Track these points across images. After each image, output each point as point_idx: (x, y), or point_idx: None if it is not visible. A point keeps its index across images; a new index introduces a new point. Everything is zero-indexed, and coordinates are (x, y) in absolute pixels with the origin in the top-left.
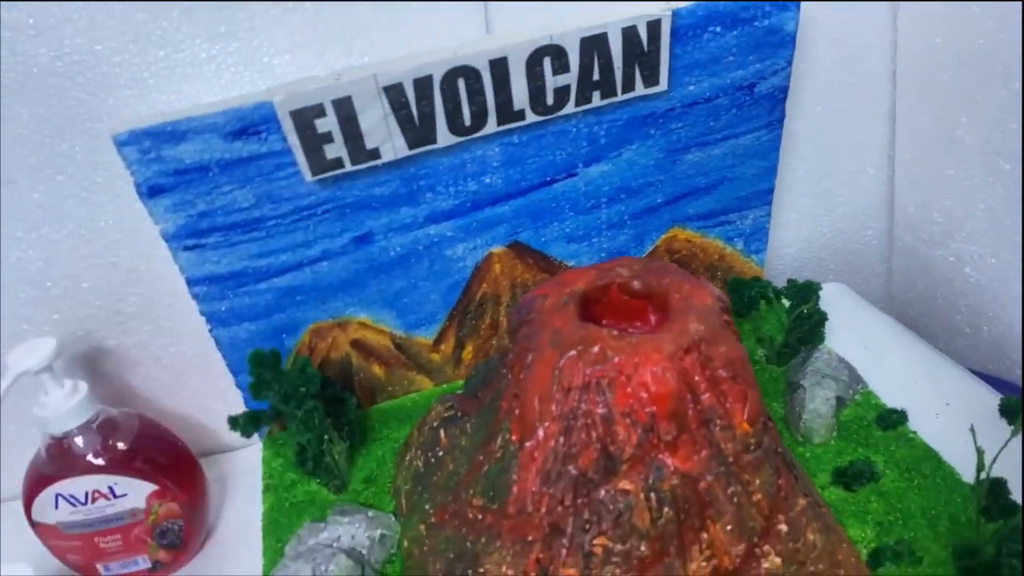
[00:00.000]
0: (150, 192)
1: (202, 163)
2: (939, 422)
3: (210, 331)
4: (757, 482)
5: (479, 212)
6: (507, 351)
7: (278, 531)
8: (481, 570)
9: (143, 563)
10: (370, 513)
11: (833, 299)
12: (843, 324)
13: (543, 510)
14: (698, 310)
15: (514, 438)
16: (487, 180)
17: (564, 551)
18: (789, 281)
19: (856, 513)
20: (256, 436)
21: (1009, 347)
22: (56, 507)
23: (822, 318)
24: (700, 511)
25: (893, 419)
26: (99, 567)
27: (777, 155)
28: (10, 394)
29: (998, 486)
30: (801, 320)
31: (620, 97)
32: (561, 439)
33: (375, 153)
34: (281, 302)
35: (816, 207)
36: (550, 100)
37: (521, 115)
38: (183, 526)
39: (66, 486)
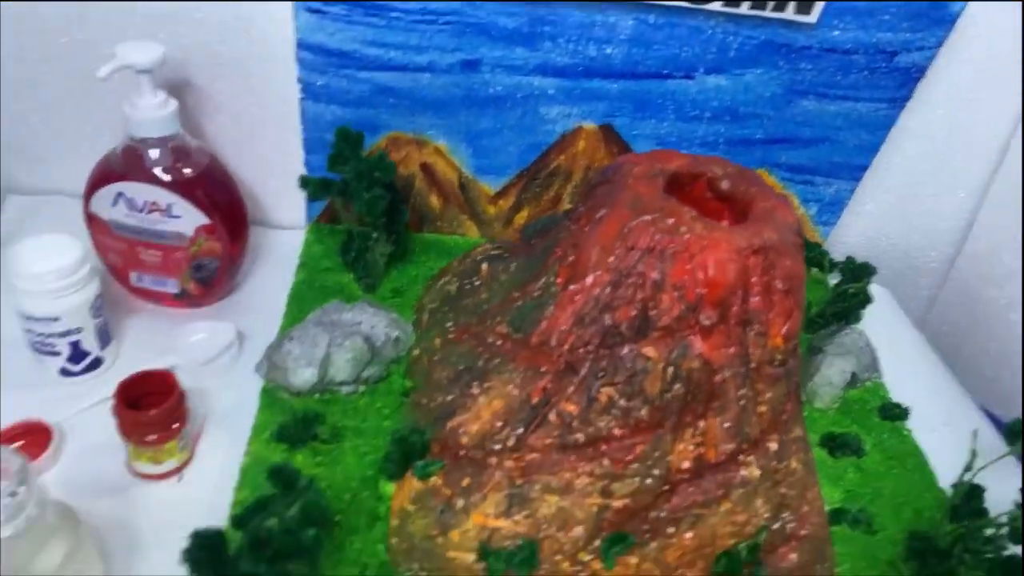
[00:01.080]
0: None
1: None
2: (934, 436)
3: (300, 100)
4: (768, 395)
5: (588, 81)
6: (573, 213)
7: (302, 303)
8: (487, 384)
9: (172, 286)
10: (394, 315)
11: (875, 298)
12: (877, 324)
13: (565, 347)
14: (777, 222)
15: (559, 281)
16: (608, 51)
17: (571, 389)
18: (848, 257)
19: (831, 476)
20: (301, 220)
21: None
22: (114, 205)
23: (866, 299)
24: (707, 400)
25: (894, 412)
26: (132, 275)
27: (886, 135)
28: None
29: (976, 491)
30: (846, 297)
31: (767, 13)
32: (607, 289)
33: None
34: (374, 98)
35: (895, 208)
36: None
37: None
38: (218, 267)
39: (129, 188)
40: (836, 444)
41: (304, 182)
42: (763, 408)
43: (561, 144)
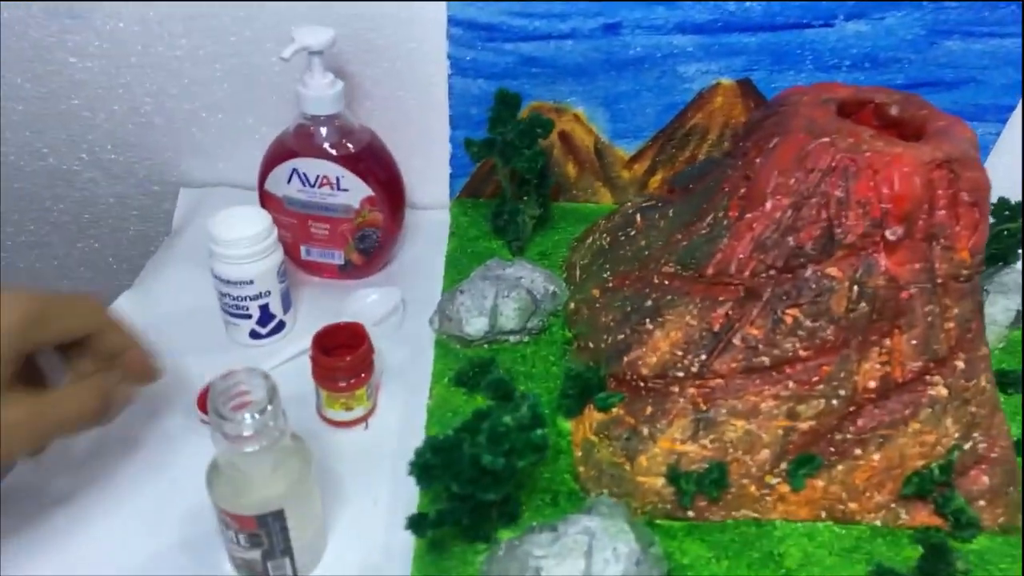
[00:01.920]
0: None
1: None
2: None
3: (449, 77)
4: (955, 311)
5: (727, 35)
6: (734, 150)
7: (458, 267)
8: (661, 319)
9: (338, 258)
10: (549, 272)
11: None
12: None
13: (747, 273)
14: (955, 137)
15: (732, 214)
16: (747, 3)
17: (755, 311)
18: (1000, 197)
19: (1007, 412)
20: (444, 199)
21: None
22: (288, 181)
23: (1021, 238)
24: (893, 317)
25: None
26: (303, 248)
27: None
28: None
29: None
30: (1001, 237)
31: None
32: (789, 212)
33: None
34: (518, 69)
35: None
36: None
37: None
38: (380, 237)
39: (303, 164)
40: (1009, 380)
41: (468, 143)
42: (950, 324)
43: (698, 102)
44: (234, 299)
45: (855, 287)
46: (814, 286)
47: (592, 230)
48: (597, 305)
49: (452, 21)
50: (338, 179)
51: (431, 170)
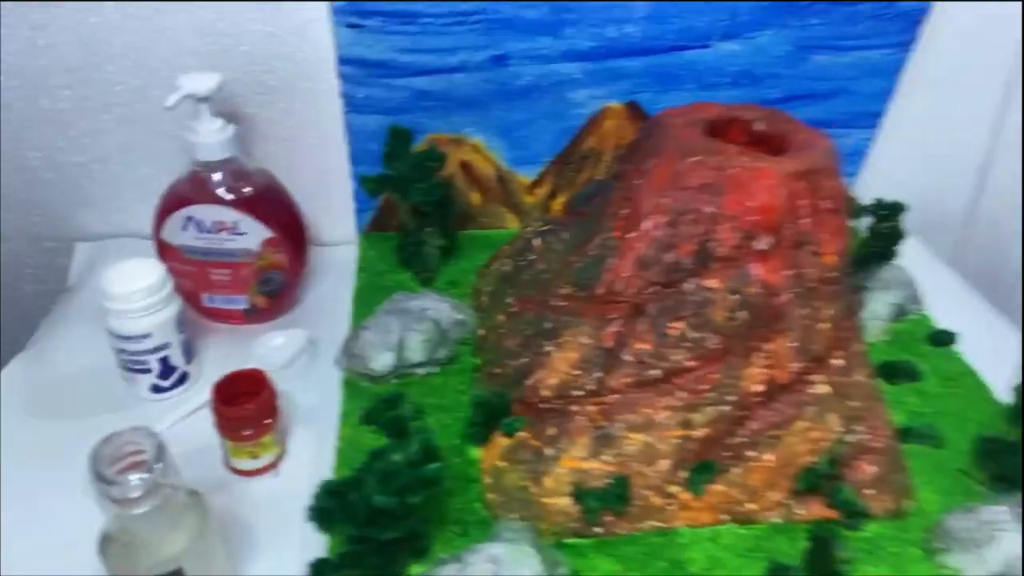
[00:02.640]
0: None
1: None
2: (984, 362)
3: (345, 113)
4: (828, 312)
5: (610, 60)
6: (620, 171)
7: (366, 303)
8: (559, 340)
9: (242, 303)
10: (456, 301)
11: (906, 245)
12: (912, 268)
13: (632, 291)
14: (814, 148)
15: (616, 234)
16: (627, 30)
17: (643, 328)
18: (878, 199)
19: (893, 402)
20: (351, 234)
21: None
22: (184, 229)
23: (900, 234)
24: (771, 322)
25: (944, 338)
26: (204, 296)
27: (898, 79)
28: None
29: None
30: (880, 236)
31: None
32: (666, 230)
33: None
34: (412, 103)
35: (915, 151)
36: None
37: None
38: (284, 279)
39: (198, 211)
40: (893, 372)
41: (363, 180)
42: (824, 325)
43: (590, 126)
44: (131, 354)
45: (733, 296)
46: (695, 298)
47: (497, 256)
48: (502, 331)
49: (343, 60)
50: (235, 223)
51: (335, 206)
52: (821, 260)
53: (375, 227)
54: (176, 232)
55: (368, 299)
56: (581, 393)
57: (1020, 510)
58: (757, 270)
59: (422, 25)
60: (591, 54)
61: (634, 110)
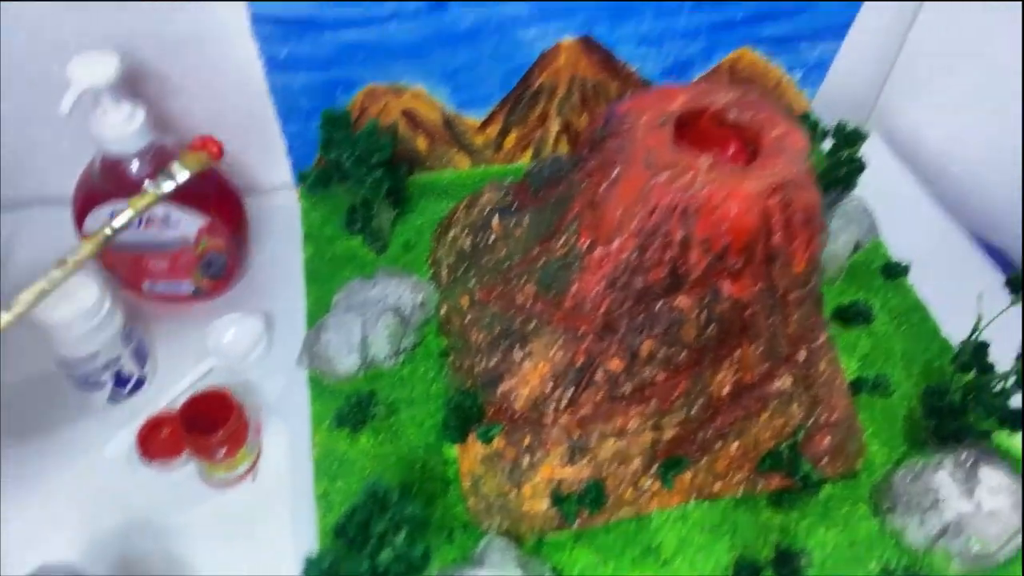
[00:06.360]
0: None
1: None
2: (933, 279)
3: (266, 74)
4: (795, 316)
5: None
6: (580, 159)
7: (319, 280)
8: (528, 348)
9: (187, 287)
10: (414, 278)
11: (867, 149)
12: (871, 174)
13: (601, 310)
14: (790, 153)
15: (582, 241)
16: None
17: (613, 347)
18: (839, 123)
19: (846, 347)
20: (290, 179)
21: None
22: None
23: (860, 166)
24: (740, 332)
25: (896, 270)
26: (144, 284)
27: None
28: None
29: (981, 347)
30: (840, 164)
31: None
32: (635, 253)
33: None
34: (342, 57)
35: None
36: None
37: None
38: (227, 260)
39: (119, 206)
40: (848, 315)
41: (302, 178)
42: (792, 328)
43: (542, 63)
44: (82, 373)
45: (703, 314)
46: (665, 319)
47: (453, 220)
48: (468, 320)
49: (256, 19)
50: (165, 216)
51: (269, 152)
52: (791, 270)
53: (316, 180)
54: (102, 227)
55: (320, 274)
56: (553, 407)
57: (961, 470)
58: (728, 288)
59: None
60: None
61: (589, 44)
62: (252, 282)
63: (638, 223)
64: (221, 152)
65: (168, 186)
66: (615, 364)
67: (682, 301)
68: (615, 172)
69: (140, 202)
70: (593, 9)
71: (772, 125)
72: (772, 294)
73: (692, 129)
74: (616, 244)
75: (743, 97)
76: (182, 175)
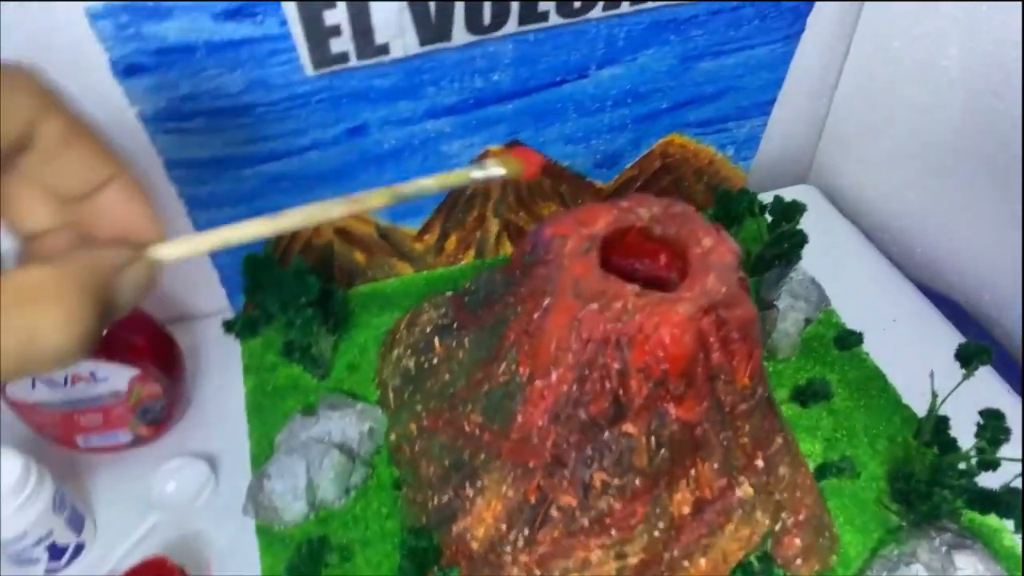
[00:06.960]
0: (127, 71)
1: (188, 43)
2: (888, 343)
3: (188, 213)
4: (747, 427)
5: (481, 110)
6: (514, 279)
7: (262, 414)
8: (480, 484)
9: (124, 436)
10: (359, 407)
11: (810, 209)
12: (812, 229)
13: (548, 443)
14: (719, 268)
15: (522, 370)
16: (494, 78)
17: (565, 482)
18: (776, 197)
19: (808, 428)
20: (225, 305)
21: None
22: (33, 387)
23: (802, 240)
24: (693, 451)
25: (850, 340)
26: (79, 439)
27: (787, 68)
28: None
29: (941, 422)
30: (782, 238)
31: (648, 5)
32: (575, 387)
33: (384, 49)
34: (265, 188)
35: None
36: (577, 2)
37: (544, 16)
38: (164, 404)
39: None
40: (806, 395)
41: (229, 326)
42: (745, 439)
43: None
44: (13, 551)
45: (652, 438)
46: (614, 447)
47: (396, 340)
48: (417, 448)
49: (169, 164)
50: (92, 372)
51: (202, 278)
52: (735, 385)
53: (244, 327)
54: (25, 390)
55: (262, 408)
56: (511, 547)
57: (936, 557)
58: (673, 410)
59: (256, 117)
60: (459, 107)
61: (516, 146)
62: (194, 418)
63: (573, 357)
64: (539, 171)
65: (478, 174)
66: (568, 499)
67: (629, 427)
68: (546, 302)
69: (447, 180)
70: (515, 118)
71: (698, 239)
72: (720, 410)
73: (622, 247)
74: (555, 377)
75: (668, 209)
76: (496, 171)
